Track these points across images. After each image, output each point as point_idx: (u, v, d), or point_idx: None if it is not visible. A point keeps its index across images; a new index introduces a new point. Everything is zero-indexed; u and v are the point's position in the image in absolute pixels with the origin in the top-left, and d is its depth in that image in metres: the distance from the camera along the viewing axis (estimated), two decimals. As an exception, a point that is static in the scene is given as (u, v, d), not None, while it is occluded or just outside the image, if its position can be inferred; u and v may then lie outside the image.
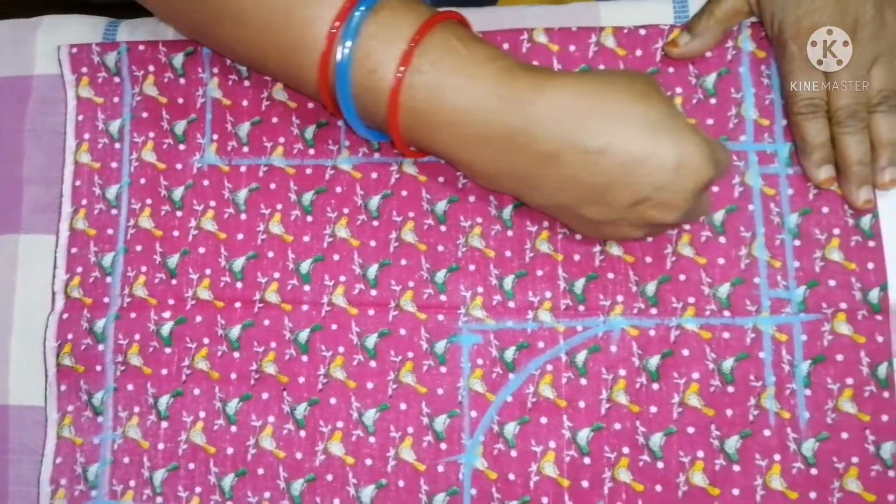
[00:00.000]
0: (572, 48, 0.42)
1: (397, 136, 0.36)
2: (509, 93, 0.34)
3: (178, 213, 0.42)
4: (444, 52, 0.34)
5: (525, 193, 0.37)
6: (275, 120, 0.43)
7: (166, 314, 0.41)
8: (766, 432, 0.38)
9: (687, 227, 0.40)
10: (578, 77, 0.35)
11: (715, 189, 0.41)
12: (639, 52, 0.42)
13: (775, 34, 0.40)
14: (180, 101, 0.43)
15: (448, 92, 0.34)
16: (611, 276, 0.40)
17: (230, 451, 0.40)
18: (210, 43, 0.40)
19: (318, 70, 0.35)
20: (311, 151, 0.42)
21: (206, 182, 0.42)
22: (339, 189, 0.42)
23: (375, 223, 0.41)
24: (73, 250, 0.42)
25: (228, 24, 0.36)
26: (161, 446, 0.40)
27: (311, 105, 0.43)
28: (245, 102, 0.43)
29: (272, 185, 0.42)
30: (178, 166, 0.43)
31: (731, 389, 0.39)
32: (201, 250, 0.42)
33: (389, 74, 0.34)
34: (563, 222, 0.39)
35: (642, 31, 0.42)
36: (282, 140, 0.42)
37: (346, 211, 0.41)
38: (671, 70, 0.42)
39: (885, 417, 0.38)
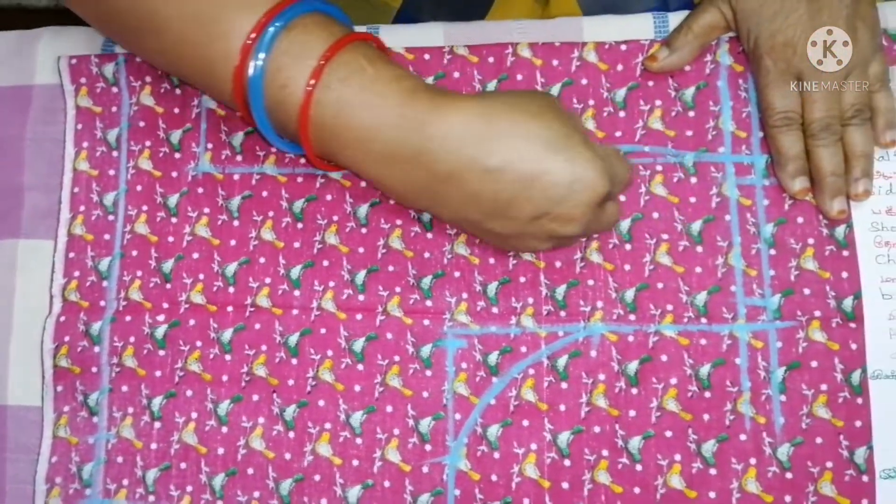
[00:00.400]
0: (555, 62, 0.43)
1: (309, 150, 0.38)
2: (411, 113, 0.35)
3: (173, 220, 0.43)
4: (352, 70, 0.36)
5: (434, 209, 0.38)
6: None
7: (160, 317, 0.42)
8: (742, 437, 0.39)
9: (665, 236, 0.41)
10: (479, 99, 0.36)
11: (693, 200, 0.42)
12: (620, 67, 0.43)
13: (751, 49, 0.41)
14: (176, 110, 0.44)
15: (355, 109, 0.36)
16: (591, 283, 0.41)
17: (221, 451, 0.41)
18: (137, 52, 0.42)
19: (232, 82, 0.37)
20: (303, 160, 0.43)
21: (200, 189, 0.44)
22: (329, 197, 0.43)
23: (364, 230, 0.42)
24: (71, 255, 0.44)
25: (150, 35, 0.38)
26: (154, 446, 0.41)
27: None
28: (239, 113, 0.44)
29: (264, 193, 0.43)
30: (174, 174, 0.44)
31: (707, 395, 0.40)
32: (195, 256, 0.43)
33: (299, 90, 0.36)
34: (476, 236, 0.40)
35: (623, 47, 0.43)
36: (274, 149, 0.44)
37: (335, 218, 0.43)
38: (651, 84, 0.43)
39: (858, 423, 0.39)
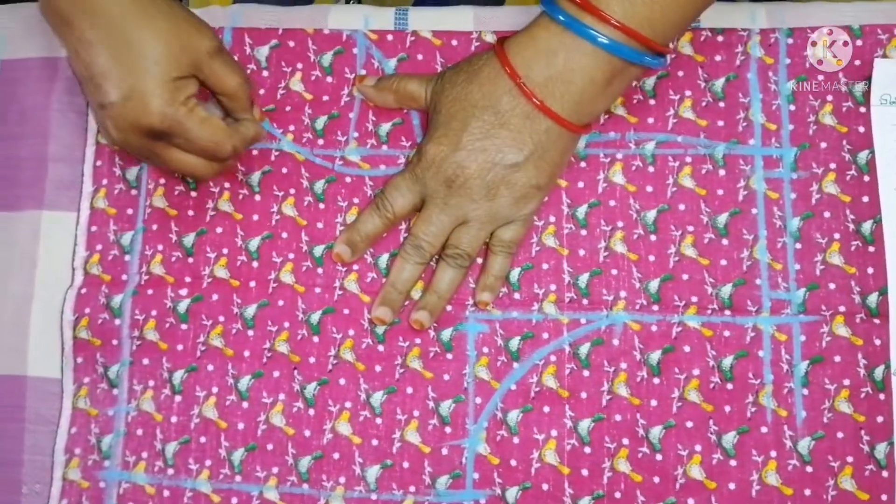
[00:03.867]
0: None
1: None
2: None
3: (193, 194, 0.43)
4: None
5: (77, 71, 0.39)
6: (288, 108, 0.44)
7: (183, 291, 0.42)
8: (763, 429, 0.39)
9: (690, 228, 0.41)
10: None
11: (720, 192, 0.42)
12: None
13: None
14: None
15: None
16: (614, 272, 0.41)
17: (241, 426, 0.41)
18: None
19: None
20: (320, 142, 0.43)
21: None
22: (347, 179, 0.43)
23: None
24: (93, 228, 0.43)
25: None
26: (174, 419, 0.41)
27: (325, 97, 0.44)
28: (262, 91, 0.44)
29: (284, 170, 0.43)
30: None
31: (729, 386, 0.40)
32: (219, 230, 0.43)
33: None
34: None
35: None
36: (292, 128, 0.43)
37: (356, 201, 0.43)
38: (681, 74, 0.43)
39: (879, 419, 0.39)
